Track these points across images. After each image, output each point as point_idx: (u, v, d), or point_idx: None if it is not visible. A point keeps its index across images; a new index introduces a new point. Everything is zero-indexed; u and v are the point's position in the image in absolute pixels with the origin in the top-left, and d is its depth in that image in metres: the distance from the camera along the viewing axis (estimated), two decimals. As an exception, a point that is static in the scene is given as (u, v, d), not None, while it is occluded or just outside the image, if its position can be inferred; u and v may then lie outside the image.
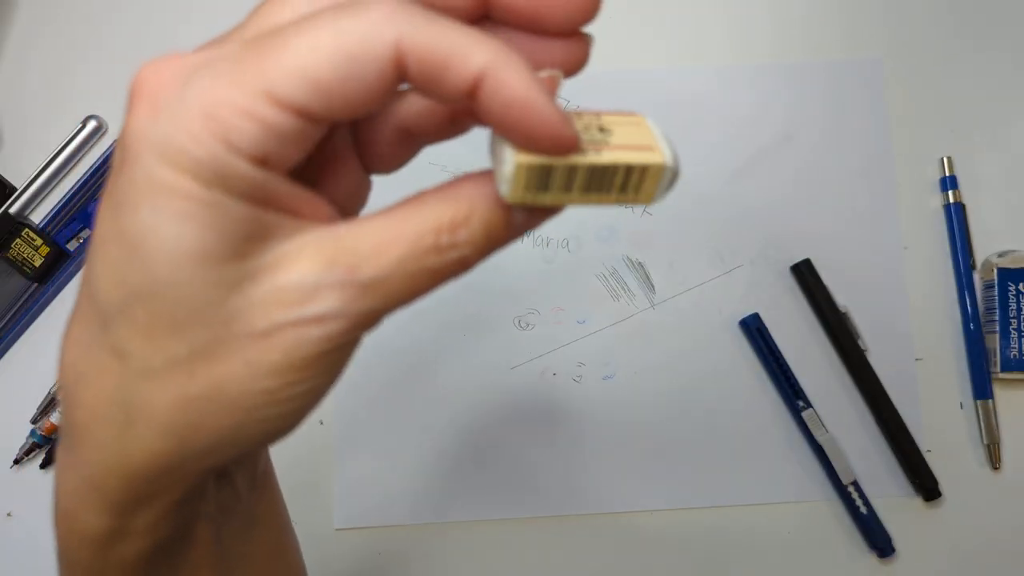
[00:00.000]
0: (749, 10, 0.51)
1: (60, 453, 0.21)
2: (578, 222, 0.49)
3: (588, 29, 0.20)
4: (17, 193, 0.48)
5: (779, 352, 0.47)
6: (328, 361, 0.19)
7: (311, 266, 0.18)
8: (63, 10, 0.50)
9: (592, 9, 0.19)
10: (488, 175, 0.19)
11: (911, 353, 0.48)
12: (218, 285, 0.18)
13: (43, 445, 0.47)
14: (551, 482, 0.47)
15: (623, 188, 0.18)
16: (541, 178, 0.18)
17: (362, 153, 0.21)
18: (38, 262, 0.47)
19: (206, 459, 0.20)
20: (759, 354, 0.47)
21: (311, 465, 0.47)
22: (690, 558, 0.47)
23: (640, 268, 0.48)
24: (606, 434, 0.47)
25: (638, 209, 0.49)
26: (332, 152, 0.21)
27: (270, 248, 0.18)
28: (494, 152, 0.19)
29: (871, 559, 0.46)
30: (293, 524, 0.46)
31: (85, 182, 0.48)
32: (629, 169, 0.18)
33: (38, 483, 0.47)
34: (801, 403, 0.47)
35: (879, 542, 0.46)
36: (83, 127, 0.49)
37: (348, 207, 0.22)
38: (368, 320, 0.19)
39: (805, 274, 0.48)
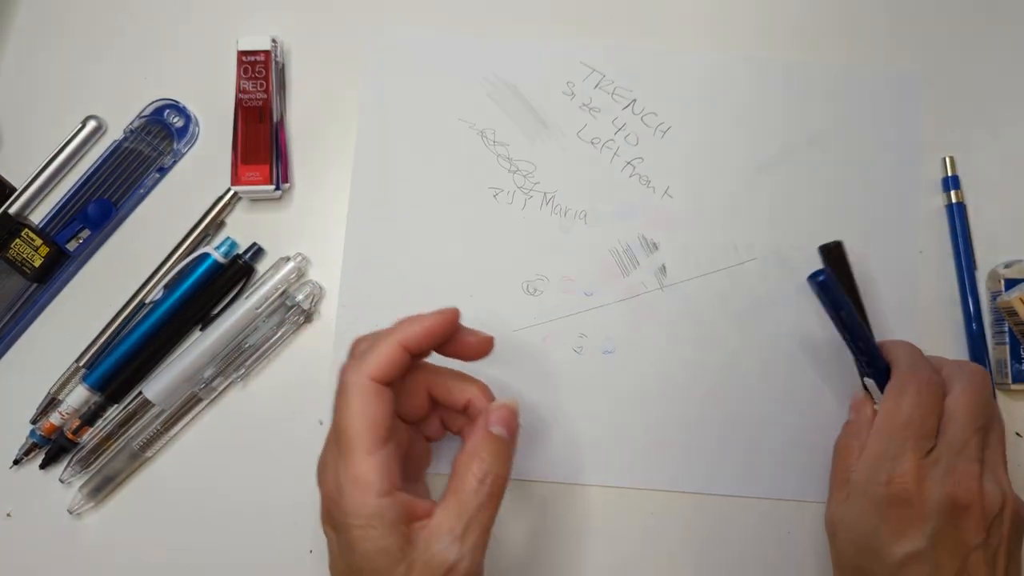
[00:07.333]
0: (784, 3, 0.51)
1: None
2: (598, 195, 0.49)
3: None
4: (17, 193, 0.48)
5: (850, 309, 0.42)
6: None
7: (442, 539, 0.34)
8: (63, 10, 0.50)
9: (485, 354, 0.39)
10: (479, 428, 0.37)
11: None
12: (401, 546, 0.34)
13: (43, 445, 0.47)
14: (544, 447, 0.47)
15: None
16: None
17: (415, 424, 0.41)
18: (38, 262, 0.47)
19: None
20: (832, 310, 0.42)
21: (310, 460, 0.47)
22: (681, 541, 0.47)
23: (654, 248, 0.48)
24: (601, 407, 0.47)
25: (659, 190, 0.49)
26: (418, 450, 0.41)
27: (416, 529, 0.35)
28: None
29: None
30: (293, 521, 0.46)
31: (85, 182, 0.48)
32: None
33: (37, 483, 0.47)
34: (869, 368, 0.43)
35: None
36: (83, 127, 0.49)
37: (422, 465, 0.42)
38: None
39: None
